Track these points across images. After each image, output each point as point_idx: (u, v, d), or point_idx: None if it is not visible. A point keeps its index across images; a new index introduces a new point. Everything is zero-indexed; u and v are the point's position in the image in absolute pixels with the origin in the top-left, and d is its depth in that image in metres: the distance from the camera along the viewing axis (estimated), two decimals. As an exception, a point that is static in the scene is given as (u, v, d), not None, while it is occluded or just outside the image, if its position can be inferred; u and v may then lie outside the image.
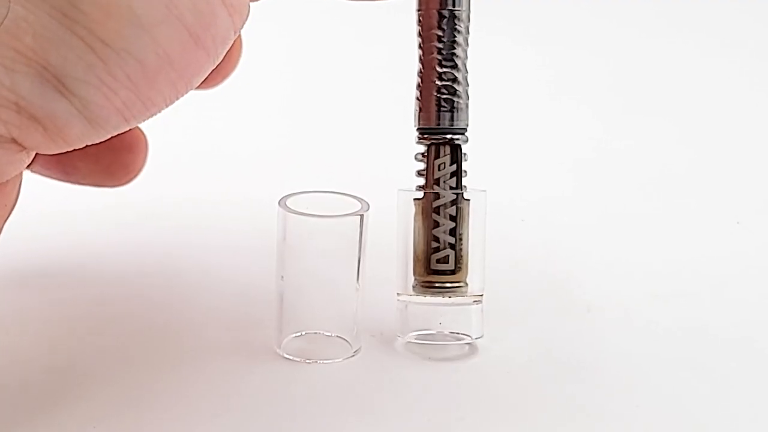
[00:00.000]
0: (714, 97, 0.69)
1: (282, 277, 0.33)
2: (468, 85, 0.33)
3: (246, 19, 0.27)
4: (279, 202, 0.32)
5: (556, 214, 0.48)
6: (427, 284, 0.33)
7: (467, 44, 0.32)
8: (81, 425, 0.29)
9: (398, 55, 0.73)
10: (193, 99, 0.65)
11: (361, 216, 0.32)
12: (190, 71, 0.26)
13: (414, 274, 0.33)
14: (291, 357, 0.33)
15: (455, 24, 0.32)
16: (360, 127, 0.60)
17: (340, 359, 0.33)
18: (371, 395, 0.31)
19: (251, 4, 0.28)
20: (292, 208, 0.32)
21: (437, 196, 0.32)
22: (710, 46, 0.76)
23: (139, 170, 0.38)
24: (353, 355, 0.33)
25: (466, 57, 0.32)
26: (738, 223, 0.48)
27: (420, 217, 0.33)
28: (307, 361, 0.33)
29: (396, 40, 0.73)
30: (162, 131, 0.58)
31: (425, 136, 0.33)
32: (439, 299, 0.33)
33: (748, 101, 0.69)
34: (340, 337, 0.33)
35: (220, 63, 0.34)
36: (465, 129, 0.33)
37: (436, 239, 0.32)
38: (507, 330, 0.35)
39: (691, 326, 0.37)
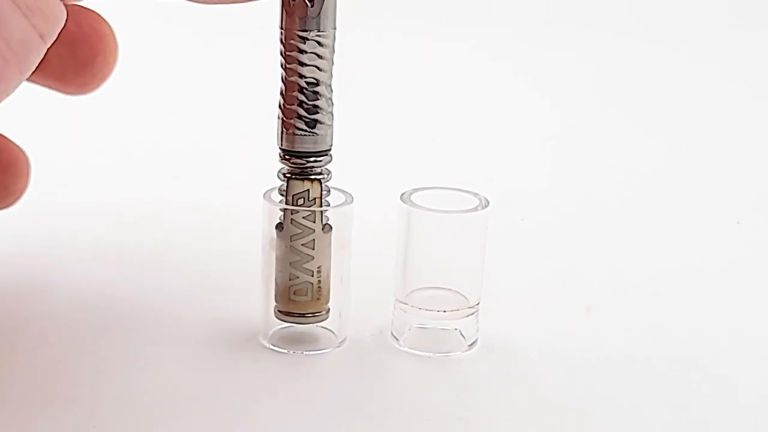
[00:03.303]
0: (714, 97, 0.69)
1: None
2: (332, 105, 0.32)
3: (58, 22, 0.25)
4: (264, 195, 0.33)
5: (556, 213, 0.48)
6: (286, 313, 0.33)
7: (333, 63, 0.31)
8: (80, 425, 0.29)
9: (396, 52, 0.73)
10: (186, 96, 0.65)
11: (346, 208, 0.32)
12: None
13: (275, 300, 0.33)
14: (277, 348, 0.33)
15: (318, 49, 0.31)
16: (364, 126, 0.60)
17: (327, 350, 0.33)
18: (371, 394, 0.31)
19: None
20: (277, 201, 0.32)
21: (296, 227, 0.32)
22: (710, 45, 0.76)
23: (22, 192, 0.36)
24: (339, 346, 0.33)
25: (331, 76, 0.31)
26: (738, 223, 0.48)
27: (278, 246, 0.32)
28: (293, 351, 0.33)
29: (390, 44, 0.73)
30: (146, 128, 0.58)
31: (287, 157, 0.32)
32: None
33: (748, 101, 0.69)
34: (324, 327, 0.34)
35: (93, 66, 0.33)
36: (328, 150, 0.32)
37: (295, 270, 0.32)
38: (507, 330, 0.35)
39: (691, 326, 0.37)
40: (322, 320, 0.33)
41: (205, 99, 0.64)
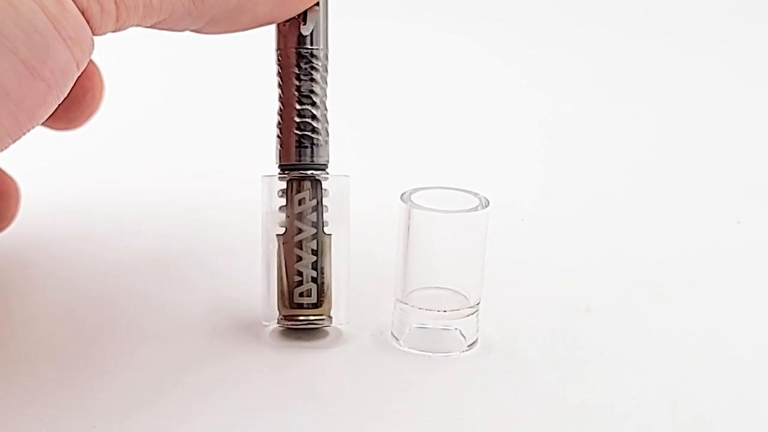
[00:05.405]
0: (714, 96, 0.69)
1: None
2: (327, 123, 0.33)
3: (89, 52, 0.27)
4: (263, 176, 0.33)
5: (556, 214, 0.48)
6: (291, 317, 0.33)
7: (326, 82, 0.33)
8: (80, 425, 0.29)
9: (396, 52, 0.73)
10: (177, 90, 0.65)
11: (342, 179, 0.33)
12: (30, 103, 0.26)
13: (277, 308, 0.33)
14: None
15: (313, 62, 0.32)
16: (364, 126, 0.60)
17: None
18: (371, 394, 0.31)
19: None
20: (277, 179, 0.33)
21: (299, 230, 0.33)
22: (711, 44, 0.76)
23: (12, 218, 0.38)
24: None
25: (325, 95, 0.33)
26: (738, 222, 0.48)
27: (282, 251, 0.33)
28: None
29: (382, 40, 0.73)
30: (143, 126, 0.58)
31: (286, 172, 0.33)
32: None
33: (748, 100, 0.69)
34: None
35: (82, 103, 0.36)
36: (325, 165, 0.33)
37: (299, 273, 0.33)
38: (507, 330, 0.35)
39: (691, 326, 0.37)
40: (326, 325, 0.34)
41: (200, 97, 0.64)
